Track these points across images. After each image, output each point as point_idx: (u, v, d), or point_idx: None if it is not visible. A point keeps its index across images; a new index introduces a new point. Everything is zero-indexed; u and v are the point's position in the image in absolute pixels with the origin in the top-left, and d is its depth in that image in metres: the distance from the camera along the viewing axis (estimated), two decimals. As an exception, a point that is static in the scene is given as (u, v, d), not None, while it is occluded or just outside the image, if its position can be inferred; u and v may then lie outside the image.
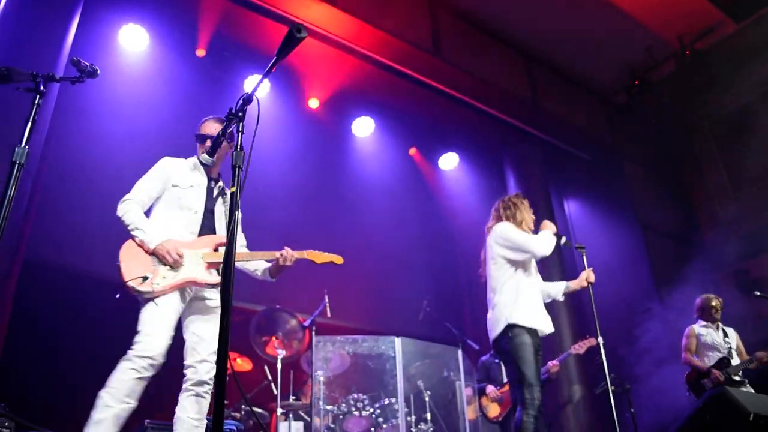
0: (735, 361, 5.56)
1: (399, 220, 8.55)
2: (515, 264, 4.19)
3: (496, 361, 6.25)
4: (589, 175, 9.34)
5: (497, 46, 8.39)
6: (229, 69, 7.00)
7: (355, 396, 5.96)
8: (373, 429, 5.90)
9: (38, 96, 2.51)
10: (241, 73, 6.98)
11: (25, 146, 2.42)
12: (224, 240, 3.26)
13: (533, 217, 4.39)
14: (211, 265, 3.20)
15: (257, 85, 2.38)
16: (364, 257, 8.00)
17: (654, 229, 8.93)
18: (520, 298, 4.08)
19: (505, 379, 6.10)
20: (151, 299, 3.05)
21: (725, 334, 5.77)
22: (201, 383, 3.11)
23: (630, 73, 9.31)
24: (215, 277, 3.20)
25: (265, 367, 5.90)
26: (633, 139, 9.64)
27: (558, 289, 4.52)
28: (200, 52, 6.73)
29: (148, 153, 6.23)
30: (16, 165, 2.37)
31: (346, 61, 7.06)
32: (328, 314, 6.08)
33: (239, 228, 3.52)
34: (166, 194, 3.33)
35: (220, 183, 3.50)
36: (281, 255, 3.29)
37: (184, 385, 3.11)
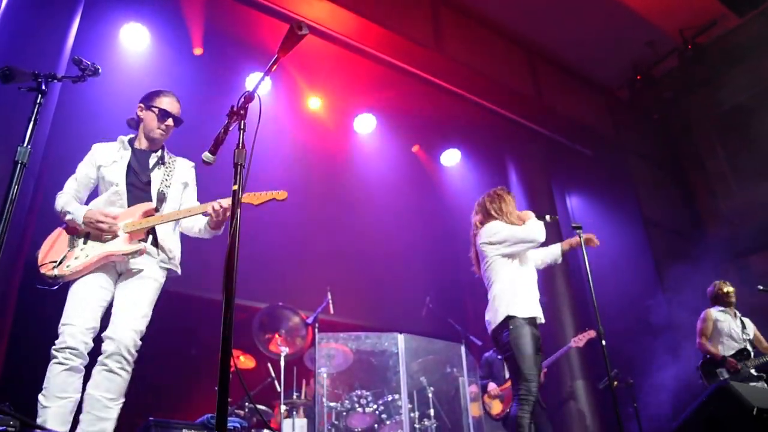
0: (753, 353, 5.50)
1: (401, 217, 8.56)
2: (510, 256, 4.19)
3: (499, 357, 6.25)
4: (591, 170, 9.33)
5: (499, 42, 8.37)
6: (231, 67, 7.00)
7: (359, 393, 5.96)
8: (376, 425, 5.91)
9: (40, 95, 2.52)
10: (243, 71, 6.98)
11: (27, 146, 2.43)
12: (152, 207, 3.17)
13: (518, 211, 4.39)
14: (133, 235, 3.08)
15: (259, 83, 2.38)
16: (366, 254, 8.02)
17: (657, 223, 8.92)
18: (517, 289, 4.08)
19: (507, 376, 6.10)
20: (70, 283, 2.98)
21: (743, 325, 5.70)
22: (115, 357, 2.84)
23: (632, 67, 9.30)
24: (134, 246, 3.04)
25: (269, 365, 5.92)
26: (635, 133, 9.63)
27: (554, 252, 4.56)
28: (197, 51, 6.73)
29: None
30: (19, 164, 2.38)
31: (348, 58, 7.06)
32: (331, 311, 6.09)
33: (194, 195, 3.49)
34: (99, 177, 3.29)
35: (160, 152, 3.41)
36: (213, 208, 3.04)
37: (99, 358, 2.87)
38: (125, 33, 6.38)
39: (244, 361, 6.19)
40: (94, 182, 3.32)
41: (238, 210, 2.15)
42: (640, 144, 9.58)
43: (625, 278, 8.35)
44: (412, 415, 6.00)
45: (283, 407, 5.37)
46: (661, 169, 9.73)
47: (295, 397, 5.69)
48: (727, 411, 3.66)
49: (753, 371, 5.30)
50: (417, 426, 5.93)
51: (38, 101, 2.50)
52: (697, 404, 3.96)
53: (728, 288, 5.87)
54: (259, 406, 5.56)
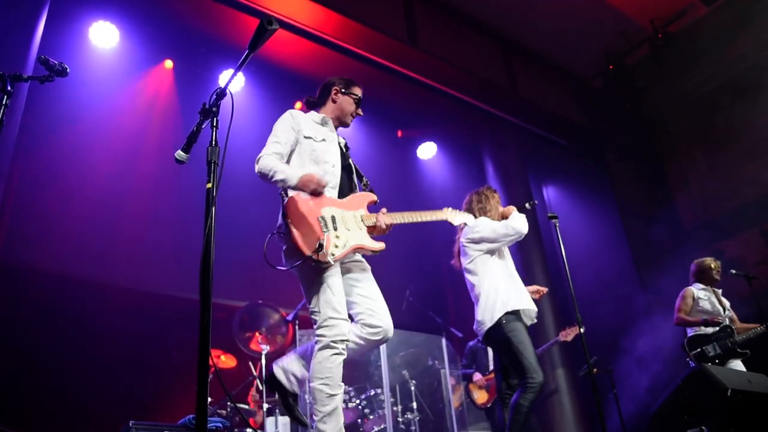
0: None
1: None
2: (492, 253, 4.24)
3: (482, 347, 6.29)
4: (567, 160, 9.42)
5: (473, 34, 8.39)
6: (202, 64, 6.92)
7: (341, 388, 5.95)
8: (359, 420, 5.92)
9: (6, 96, 2.47)
10: (214, 68, 6.90)
11: (-6, 148, 2.38)
12: (375, 199, 3.29)
13: (501, 209, 4.43)
14: (370, 229, 3.14)
15: (230, 79, 2.35)
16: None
17: (632, 212, 9.04)
18: (505, 283, 4.12)
19: (491, 365, 6.13)
20: (323, 270, 2.94)
21: (723, 304, 5.51)
22: (385, 343, 3.12)
23: (605, 57, 9.40)
24: (379, 244, 3.16)
25: (250, 363, 5.89)
26: (610, 123, 9.74)
27: None
28: (168, 63, 6.76)
29: (123, 149, 6.20)
30: (-14, 167, 2.33)
31: (320, 52, 7.01)
32: (312, 307, 6.06)
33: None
34: (304, 148, 3.16)
35: (340, 138, 3.40)
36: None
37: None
38: (94, 32, 6.28)
39: (225, 360, 6.15)
40: (292, 148, 3.17)
41: (213, 208, 2.14)
42: (614, 133, 9.69)
43: (602, 266, 8.46)
44: (395, 408, 6.02)
45: (265, 405, 5.35)
46: (635, 157, 9.86)
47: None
48: (702, 393, 3.73)
49: (737, 348, 5.23)
50: (400, 419, 5.95)
51: (4, 102, 2.45)
52: (673, 388, 4.03)
53: (714, 263, 5.62)
54: (241, 405, 5.53)
